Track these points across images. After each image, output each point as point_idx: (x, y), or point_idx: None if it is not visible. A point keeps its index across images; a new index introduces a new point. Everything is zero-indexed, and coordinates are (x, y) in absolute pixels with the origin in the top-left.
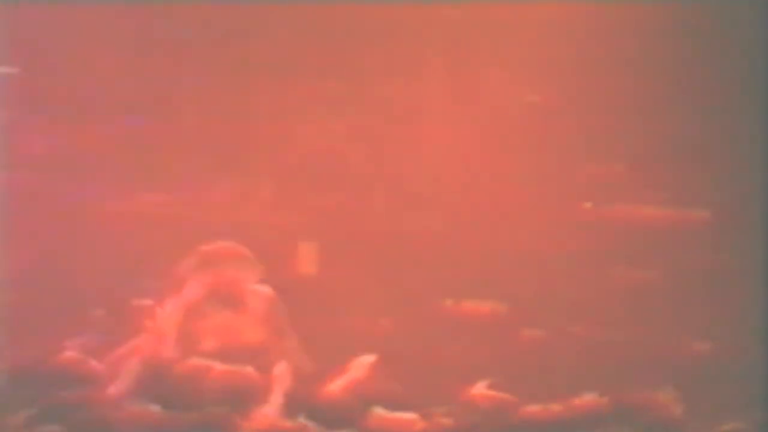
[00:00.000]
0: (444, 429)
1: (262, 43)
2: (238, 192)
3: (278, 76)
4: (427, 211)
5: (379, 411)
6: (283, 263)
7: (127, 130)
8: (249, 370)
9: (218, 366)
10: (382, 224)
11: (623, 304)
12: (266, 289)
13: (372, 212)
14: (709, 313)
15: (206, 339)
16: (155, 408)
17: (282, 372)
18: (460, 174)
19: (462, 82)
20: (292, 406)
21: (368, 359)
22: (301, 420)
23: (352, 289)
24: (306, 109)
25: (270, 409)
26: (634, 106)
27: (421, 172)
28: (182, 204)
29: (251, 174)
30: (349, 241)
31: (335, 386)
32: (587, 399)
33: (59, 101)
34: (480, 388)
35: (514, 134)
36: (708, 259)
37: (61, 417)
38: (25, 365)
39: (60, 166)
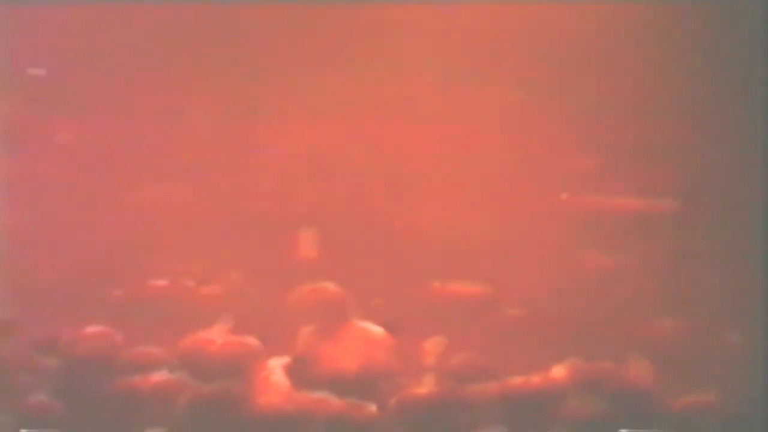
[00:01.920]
0: (436, 395)
1: (269, 42)
2: (243, 182)
3: (282, 73)
4: (418, 202)
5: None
6: (286, 247)
7: (141, 126)
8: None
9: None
10: (377, 214)
11: (596, 285)
12: (371, 325)
13: (368, 203)
14: (674, 294)
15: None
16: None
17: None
18: (449, 169)
19: (449, 81)
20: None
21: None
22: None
23: (347, 272)
24: (307, 104)
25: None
26: (608, 103)
27: (414, 168)
28: (192, 193)
29: (256, 165)
30: (346, 228)
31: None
32: (563, 370)
33: (84, 100)
34: (464, 361)
35: (498, 130)
36: (675, 245)
37: (84, 387)
38: (49, 339)
39: (87, 159)
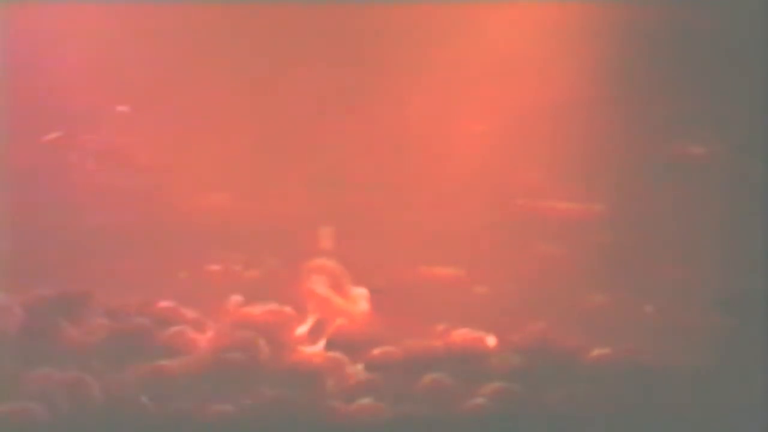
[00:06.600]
0: (422, 355)
1: (290, 49)
2: (275, 191)
3: (308, 84)
4: (409, 204)
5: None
6: (309, 241)
7: (194, 149)
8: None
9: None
10: (378, 215)
11: (542, 270)
12: (360, 290)
13: (371, 206)
14: (600, 275)
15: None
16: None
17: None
18: (436, 181)
19: (435, 107)
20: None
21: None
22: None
23: (356, 261)
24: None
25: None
26: (550, 130)
27: (406, 175)
28: (236, 200)
29: (285, 177)
30: (355, 226)
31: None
32: (514, 332)
33: (159, 121)
34: (445, 329)
35: (472, 157)
36: (601, 239)
37: (156, 355)
38: (125, 310)
39: (160, 174)
